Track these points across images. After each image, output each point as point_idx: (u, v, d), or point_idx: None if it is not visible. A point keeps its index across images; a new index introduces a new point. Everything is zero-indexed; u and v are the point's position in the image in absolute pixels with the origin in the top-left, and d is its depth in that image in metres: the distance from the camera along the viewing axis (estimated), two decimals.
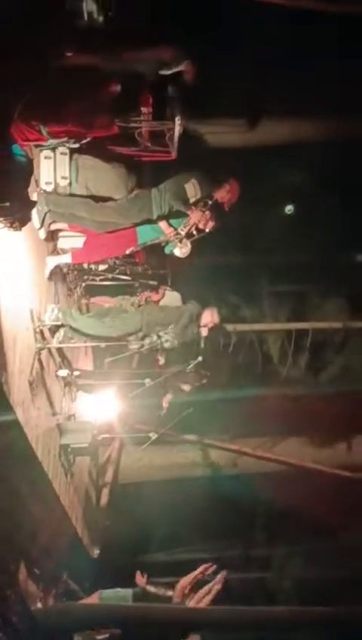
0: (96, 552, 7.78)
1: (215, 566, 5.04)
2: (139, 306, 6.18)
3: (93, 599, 5.37)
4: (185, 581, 4.96)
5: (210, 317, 5.63)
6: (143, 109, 5.10)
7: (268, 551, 9.62)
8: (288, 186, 8.85)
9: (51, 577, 5.99)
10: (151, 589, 5.22)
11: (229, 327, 8.84)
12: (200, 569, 5.00)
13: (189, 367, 5.99)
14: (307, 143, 8.03)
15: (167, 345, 5.47)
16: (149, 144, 5.41)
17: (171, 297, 6.54)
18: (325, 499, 8.59)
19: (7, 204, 3.34)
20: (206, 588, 4.85)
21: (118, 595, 5.28)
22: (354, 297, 9.45)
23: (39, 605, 5.39)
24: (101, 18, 5.09)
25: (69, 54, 4.46)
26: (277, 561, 9.70)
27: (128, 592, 5.29)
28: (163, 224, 5.35)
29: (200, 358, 5.70)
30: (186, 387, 6.06)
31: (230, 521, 9.05)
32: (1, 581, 4.31)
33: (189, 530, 9.20)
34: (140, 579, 5.43)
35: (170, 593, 5.07)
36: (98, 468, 8.27)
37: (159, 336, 5.49)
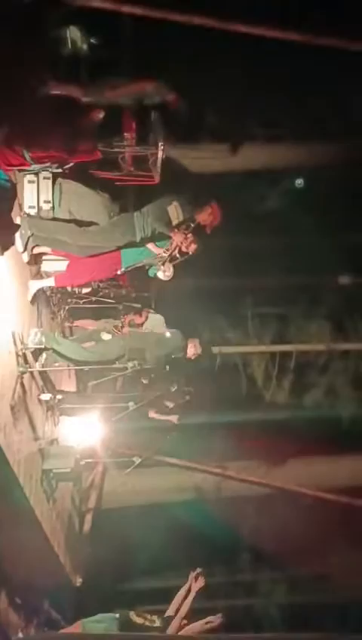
0: (78, 579, 7.63)
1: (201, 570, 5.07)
2: (122, 327, 6.17)
3: (74, 629, 5.23)
4: (179, 596, 4.94)
5: (193, 349, 5.71)
6: (126, 135, 5.16)
7: (254, 576, 9.51)
8: (269, 210, 8.96)
9: (33, 606, 5.87)
10: (136, 617, 5.11)
11: (214, 349, 8.87)
12: (192, 576, 5.01)
13: (173, 389, 6.01)
14: (289, 168, 8.17)
15: (150, 365, 5.49)
16: (132, 169, 5.46)
17: (155, 320, 6.54)
18: (309, 522, 8.55)
19: None
20: (203, 622, 4.83)
21: (100, 621, 5.14)
22: (337, 319, 9.54)
23: (20, 635, 5.26)
24: (85, 46, 5.17)
25: (52, 83, 4.52)
26: (264, 587, 9.59)
27: (112, 617, 5.16)
28: (150, 245, 5.39)
29: (174, 387, 5.76)
30: (170, 404, 6.06)
31: (215, 547, 8.95)
32: None
33: (174, 556, 9.07)
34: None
35: (156, 620, 5.01)
36: (81, 493, 8.16)
37: (142, 362, 5.51)
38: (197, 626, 4.83)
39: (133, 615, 5.22)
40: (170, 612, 5.04)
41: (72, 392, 6.47)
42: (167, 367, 5.62)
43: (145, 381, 6.04)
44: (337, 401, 9.24)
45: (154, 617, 5.18)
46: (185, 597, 5.04)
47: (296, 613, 9.18)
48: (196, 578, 5.07)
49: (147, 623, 5.09)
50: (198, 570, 5.12)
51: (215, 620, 4.82)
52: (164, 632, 4.83)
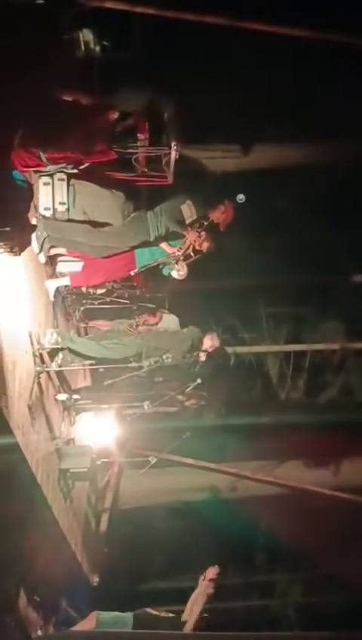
0: (95, 579, 7.67)
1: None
2: (137, 327, 6.20)
3: (89, 620, 5.28)
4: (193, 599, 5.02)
5: (210, 342, 5.69)
6: (140, 136, 5.20)
7: (270, 577, 9.49)
8: (283, 209, 8.95)
9: (51, 605, 5.90)
10: (153, 611, 5.17)
11: (228, 349, 8.86)
12: (208, 572, 5.16)
13: (188, 389, 6.01)
14: (302, 167, 8.16)
15: (168, 362, 5.48)
16: (146, 169, 5.50)
17: (169, 320, 6.56)
18: (326, 522, 8.50)
19: (8, 229, 3.39)
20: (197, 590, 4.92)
21: (117, 618, 5.19)
22: (352, 319, 9.50)
23: (39, 633, 5.30)
24: (97, 48, 5.22)
25: (66, 86, 4.57)
26: (280, 588, 9.56)
27: (128, 615, 5.21)
28: (164, 244, 5.42)
29: (199, 380, 5.71)
30: (188, 403, 6.05)
31: (231, 547, 8.94)
32: (1, 609, 4.26)
33: (190, 556, 9.08)
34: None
35: (170, 615, 5.08)
36: (97, 493, 8.19)
37: (159, 359, 5.51)
38: (200, 592, 5.01)
39: (148, 610, 5.28)
40: (185, 617, 5.10)
41: (88, 391, 6.49)
42: (191, 366, 5.59)
43: (159, 379, 6.04)
44: (352, 400, 9.20)
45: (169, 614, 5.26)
46: (199, 598, 5.11)
47: (311, 613, 9.14)
48: (208, 577, 5.19)
49: (162, 614, 5.15)
50: (212, 569, 5.24)
51: (210, 573, 5.11)
52: (177, 624, 4.88)
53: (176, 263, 5.38)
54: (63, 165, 4.75)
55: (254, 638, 4.74)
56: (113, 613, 5.22)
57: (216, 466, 8.59)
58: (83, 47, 5.08)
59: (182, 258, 5.37)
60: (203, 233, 5.31)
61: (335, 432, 8.75)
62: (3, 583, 4.63)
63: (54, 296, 5.69)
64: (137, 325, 6.56)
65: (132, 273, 5.69)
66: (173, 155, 5.43)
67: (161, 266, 5.61)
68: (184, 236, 5.36)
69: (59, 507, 5.76)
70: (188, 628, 4.92)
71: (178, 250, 5.38)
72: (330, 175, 8.23)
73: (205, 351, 5.66)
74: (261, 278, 9.16)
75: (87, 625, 5.44)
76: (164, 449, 7.63)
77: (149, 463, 7.05)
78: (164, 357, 5.34)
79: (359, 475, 9.02)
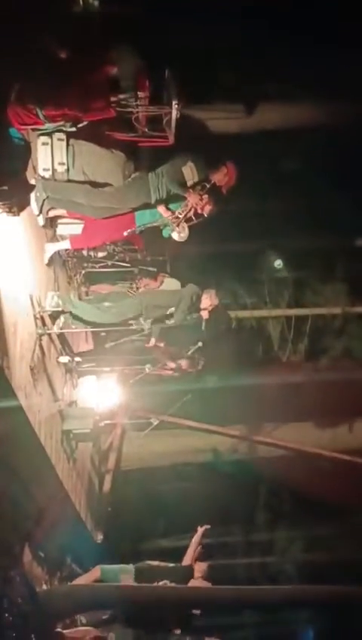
0: (99, 537, 7.85)
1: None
2: (137, 289, 6.18)
3: (93, 573, 5.45)
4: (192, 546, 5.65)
5: (208, 300, 5.65)
6: (140, 93, 5.09)
7: (270, 535, 9.69)
8: (287, 171, 8.83)
9: (56, 561, 6.06)
10: (153, 563, 5.39)
11: (230, 313, 8.86)
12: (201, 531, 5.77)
13: (189, 352, 6.02)
14: (305, 128, 8.00)
15: (170, 323, 5.48)
16: (146, 129, 5.39)
17: (170, 284, 6.55)
18: (325, 482, 8.65)
19: (5, 187, 3.35)
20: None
21: (119, 570, 5.37)
22: (353, 283, 9.47)
23: (44, 587, 5.45)
24: (96, 2, 5.07)
25: (64, 41, 4.45)
26: (279, 546, 9.77)
27: (130, 567, 5.39)
28: (161, 208, 5.35)
29: (200, 344, 5.72)
30: (183, 363, 6.01)
31: (232, 507, 9.12)
32: (6, 563, 4.37)
33: (191, 516, 9.26)
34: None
35: (170, 565, 5.35)
36: (100, 454, 8.32)
37: (160, 319, 5.52)
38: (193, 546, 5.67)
39: (149, 562, 5.52)
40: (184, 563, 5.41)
41: (90, 354, 6.52)
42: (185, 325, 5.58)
43: (161, 343, 6.05)
44: (353, 363, 9.25)
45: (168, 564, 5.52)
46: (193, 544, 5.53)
47: (312, 570, 9.36)
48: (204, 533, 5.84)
49: (162, 565, 5.41)
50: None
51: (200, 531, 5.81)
52: (176, 572, 5.15)
53: (178, 225, 5.32)
54: (61, 123, 4.65)
55: (254, 591, 4.87)
56: (116, 565, 5.39)
57: (216, 428, 8.69)
58: (81, 2, 4.93)
59: (183, 220, 5.31)
60: (204, 196, 5.23)
61: (333, 394, 8.82)
62: (8, 539, 4.74)
63: (53, 259, 5.65)
64: (138, 287, 6.56)
65: (125, 233, 5.56)
66: (175, 114, 5.32)
67: (161, 227, 5.56)
68: (185, 198, 5.29)
69: (63, 467, 5.86)
70: (186, 560, 5.55)
71: (179, 213, 5.32)
72: (335, 137, 8.08)
73: (205, 309, 5.63)
74: (263, 241, 9.11)
75: (91, 577, 5.63)
76: (166, 411, 7.71)
77: (151, 425, 7.14)
78: (162, 315, 5.34)
79: (359, 435, 9.13)
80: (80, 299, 6.66)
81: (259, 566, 9.56)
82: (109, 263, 6.80)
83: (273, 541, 9.70)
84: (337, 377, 9.09)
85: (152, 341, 5.61)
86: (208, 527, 5.99)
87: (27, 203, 4.09)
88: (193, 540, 5.89)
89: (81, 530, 7.00)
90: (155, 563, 5.48)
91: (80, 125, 4.72)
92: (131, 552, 8.16)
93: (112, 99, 4.72)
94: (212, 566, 5.76)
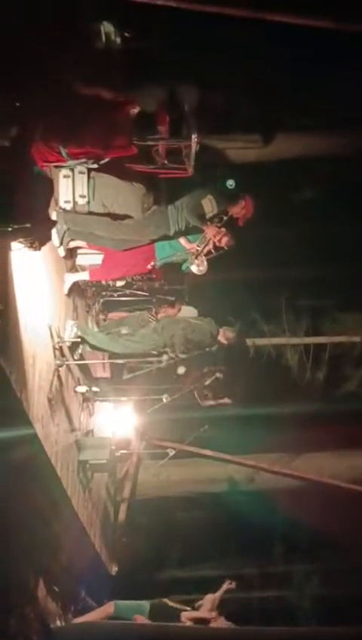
0: (114, 568, 7.75)
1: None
2: (156, 318, 6.21)
3: (107, 608, 5.38)
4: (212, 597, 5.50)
5: (224, 337, 5.70)
6: (160, 128, 5.15)
7: (287, 568, 9.50)
8: (304, 200, 8.84)
9: (70, 594, 5.98)
10: (170, 602, 5.30)
11: (248, 341, 8.83)
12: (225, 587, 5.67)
13: (207, 382, 6.02)
14: (322, 157, 8.04)
15: (183, 357, 5.51)
16: (166, 162, 5.45)
17: (187, 312, 6.55)
18: (343, 515, 8.48)
19: (28, 225, 3.38)
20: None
21: (133, 606, 5.28)
22: None
23: (58, 623, 5.37)
24: (118, 39, 5.16)
25: (87, 79, 4.53)
26: (296, 579, 9.57)
27: (145, 604, 5.30)
28: (182, 240, 5.38)
29: (219, 375, 5.75)
30: (209, 393, 6.10)
31: (248, 538, 8.96)
32: (21, 600, 4.32)
33: (207, 547, 9.12)
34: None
35: (187, 609, 5.23)
36: (116, 483, 8.25)
37: (175, 348, 5.54)
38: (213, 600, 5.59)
39: (167, 600, 5.42)
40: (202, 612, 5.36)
41: (107, 383, 6.52)
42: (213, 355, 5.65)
43: (182, 369, 6.04)
44: None
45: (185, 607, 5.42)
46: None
47: (329, 605, 9.14)
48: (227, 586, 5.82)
49: (178, 606, 5.32)
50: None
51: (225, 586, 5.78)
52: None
53: (196, 257, 5.34)
54: (84, 160, 4.72)
55: (273, 632, 4.76)
56: (130, 602, 5.30)
57: (233, 457, 8.59)
58: (104, 39, 5.02)
59: (203, 253, 5.33)
60: (222, 229, 5.26)
61: (352, 424, 8.69)
62: (22, 573, 4.69)
63: (72, 288, 5.69)
64: (157, 314, 6.58)
65: (149, 267, 5.65)
66: (194, 147, 5.37)
67: (181, 262, 5.59)
68: (204, 231, 5.32)
69: (79, 498, 5.82)
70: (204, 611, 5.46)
71: (198, 246, 5.34)
72: (352, 166, 8.09)
73: (221, 345, 5.68)
74: (281, 269, 9.08)
75: (103, 612, 5.55)
76: (183, 440, 7.65)
77: (168, 455, 7.08)
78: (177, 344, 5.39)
79: None
80: (98, 326, 6.69)
81: (275, 600, 9.36)
82: (127, 291, 6.82)
83: (289, 574, 9.50)
84: (357, 407, 8.96)
85: (181, 370, 5.65)
86: (233, 584, 6.02)
87: (48, 238, 4.13)
88: (216, 595, 5.82)
89: (95, 562, 6.91)
90: (171, 604, 5.37)
91: (102, 162, 4.78)
92: (147, 583, 8.04)
93: (134, 137, 4.78)
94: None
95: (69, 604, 5.84)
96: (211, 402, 6.15)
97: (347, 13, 5.10)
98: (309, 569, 9.57)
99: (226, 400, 6.15)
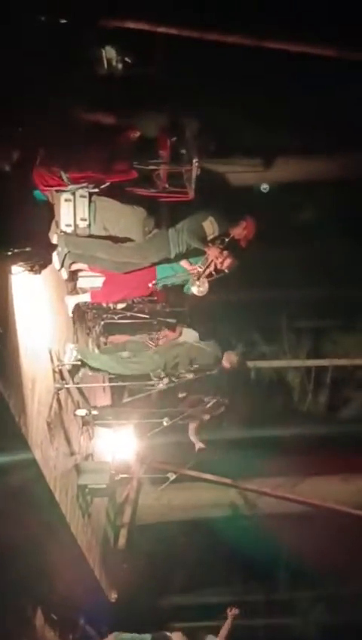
0: (114, 595, 7.60)
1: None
2: (158, 340, 6.19)
3: None
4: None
5: (228, 361, 5.66)
6: (161, 152, 5.19)
7: (292, 595, 9.35)
8: (305, 222, 8.88)
9: (69, 622, 5.87)
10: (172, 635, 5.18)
11: (249, 364, 8.79)
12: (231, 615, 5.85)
13: (208, 405, 5.97)
14: (323, 180, 8.09)
15: (186, 378, 5.48)
16: (167, 185, 5.48)
17: (189, 335, 6.53)
18: (349, 541, 8.35)
19: (29, 249, 3.39)
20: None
21: (135, 639, 5.17)
22: None
23: None
24: (120, 65, 5.23)
25: (87, 105, 4.58)
26: (301, 606, 9.41)
27: (147, 637, 5.19)
28: (184, 262, 5.39)
29: (221, 399, 5.72)
30: (206, 417, 6.04)
31: (251, 564, 8.84)
32: (18, 628, 4.23)
33: (209, 573, 8.99)
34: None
35: None
36: (116, 508, 8.15)
37: (176, 372, 5.51)
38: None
39: (167, 633, 5.29)
40: None
41: (107, 407, 6.48)
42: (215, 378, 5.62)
43: (181, 395, 6.02)
44: None
45: None
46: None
47: (334, 633, 8.97)
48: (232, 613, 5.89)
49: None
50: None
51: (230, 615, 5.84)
52: None
53: (198, 279, 5.34)
54: (85, 185, 4.75)
55: None
56: (132, 635, 5.19)
57: (235, 482, 8.49)
58: (105, 65, 5.09)
59: (204, 275, 5.33)
60: (224, 252, 5.26)
61: (355, 447, 8.60)
62: (19, 602, 4.60)
63: (73, 310, 5.69)
64: (158, 339, 6.55)
65: (150, 285, 5.65)
66: (195, 171, 5.41)
67: (183, 284, 5.59)
68: (205, 253, 5.32)
69: (78, 523, 5.73)
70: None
71: (199, 267, 5.34)
72: (353, 188, 8.15)
73: (224, 370, 5.64)
74: (282, 291, 9.09)
75: None
76: (184, 464, 7.57)
77: (168, 480, 7.00)
78: (179, 368, 5.36)
79: None
80: (99, 348, 6.67)
81: (280, 627, 9.18)
82: (128, 314, 6.81)
83: (294, 601, 9.34)
84: (359, 429, 8.89)
85: (182, 394, 5.62)
86: (237, 610, 6.10)
87: (49, 262, 4.14)
88: (223, 627, 5.92)
89: (95, 589, 6.79)
90: (173, 635, 5.26)
91: (102, 186, 4.81)
92: (148, 610, 7.90)
93: (135, 162, 4.81)
94: None
95: (67, 633, 5.72)
96: (193, 438, 6.10)
97: (349, 41, 5.18)
98: (313, 596, 9.41)
99: (202, 445, 6.09)
